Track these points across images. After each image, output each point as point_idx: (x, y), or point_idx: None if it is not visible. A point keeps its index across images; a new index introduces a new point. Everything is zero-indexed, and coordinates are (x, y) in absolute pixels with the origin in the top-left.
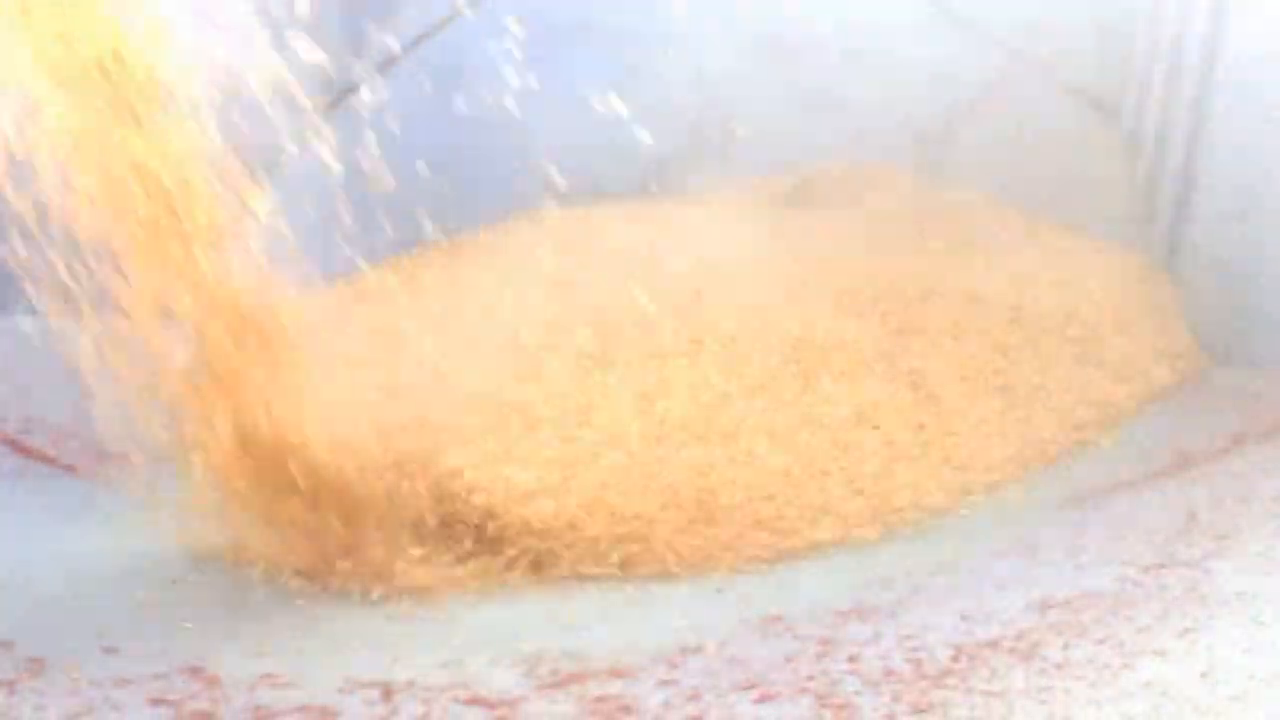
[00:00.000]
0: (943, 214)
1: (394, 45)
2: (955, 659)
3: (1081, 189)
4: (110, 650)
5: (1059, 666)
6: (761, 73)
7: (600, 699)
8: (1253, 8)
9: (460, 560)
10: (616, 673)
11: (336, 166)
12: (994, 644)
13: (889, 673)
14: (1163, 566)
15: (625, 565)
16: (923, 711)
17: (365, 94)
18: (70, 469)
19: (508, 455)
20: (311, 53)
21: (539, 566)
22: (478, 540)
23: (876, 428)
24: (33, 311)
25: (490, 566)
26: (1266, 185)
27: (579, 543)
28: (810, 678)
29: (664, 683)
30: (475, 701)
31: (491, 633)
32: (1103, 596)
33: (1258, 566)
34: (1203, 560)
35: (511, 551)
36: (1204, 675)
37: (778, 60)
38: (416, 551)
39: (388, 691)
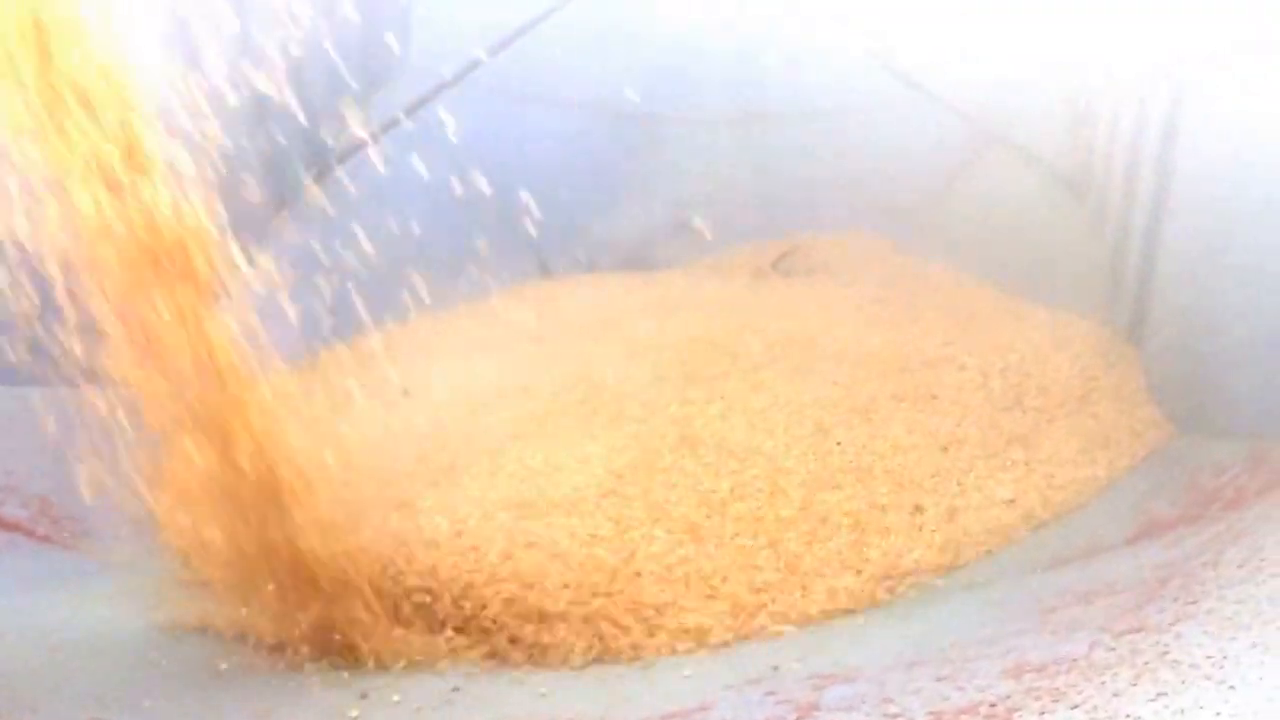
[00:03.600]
0: (915, 285)
1: (377, 121)
2: None
3: (1051, 264)
4: None
5: None
6: (733, 150)
7: None
8: (1208, 89)
9: (444, 639)
10: None
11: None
12: (972, 709)
13: None
14: (1135, 631)
15: (602, 652)
16: None
17: (346, 170)
18: (46, 539)
19: (486, 535)
20: (298, 123)
21: (524, 650)
22: (458, 623)
23: (850, 497)
24: (8, 380)
25: (470, 646)
26: (1224, 262)
27: (556, 637)
28: None
29: None
30: None
31: (482, 698)
32: (1076, 662)
33: (1226, 631)
34: (1173, 624)
35: (493, 637)
36: None
37: (748, 137)
38: (400, 629)
39: None
